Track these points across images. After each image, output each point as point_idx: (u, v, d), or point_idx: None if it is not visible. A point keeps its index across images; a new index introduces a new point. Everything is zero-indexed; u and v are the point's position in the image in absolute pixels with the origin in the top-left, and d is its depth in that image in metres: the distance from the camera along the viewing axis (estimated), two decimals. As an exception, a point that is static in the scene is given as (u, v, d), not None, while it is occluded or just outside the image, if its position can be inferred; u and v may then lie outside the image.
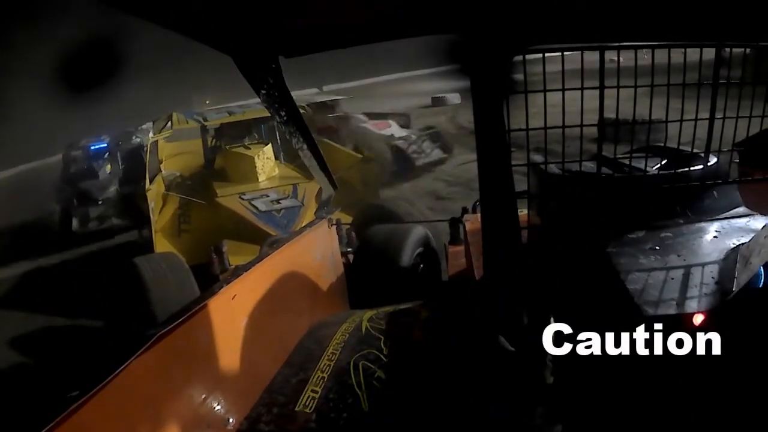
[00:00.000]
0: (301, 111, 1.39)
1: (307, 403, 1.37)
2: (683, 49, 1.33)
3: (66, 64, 9.31)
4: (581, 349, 1.15)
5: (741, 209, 1.37)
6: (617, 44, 1.23)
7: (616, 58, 1.26)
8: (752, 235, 1.21)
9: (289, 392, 1.43)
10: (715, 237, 1.28)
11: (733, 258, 1.14)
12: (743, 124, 1.28)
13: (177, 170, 5.11)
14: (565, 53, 1.26)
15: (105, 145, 7.46)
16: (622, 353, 1.10)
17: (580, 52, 1.23)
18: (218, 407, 1.29)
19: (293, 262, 1.91)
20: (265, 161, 4.69)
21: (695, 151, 1.44)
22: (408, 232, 2.87)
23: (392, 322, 1.72)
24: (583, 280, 1.28)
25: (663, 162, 1.51)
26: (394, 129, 7.84)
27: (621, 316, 1.12)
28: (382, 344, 1.58)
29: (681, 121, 1.29)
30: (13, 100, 8.97)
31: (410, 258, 2.73)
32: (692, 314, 1.05)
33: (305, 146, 1.57)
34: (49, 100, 9.34)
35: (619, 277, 1.15)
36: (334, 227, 2.48)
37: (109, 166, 7.12)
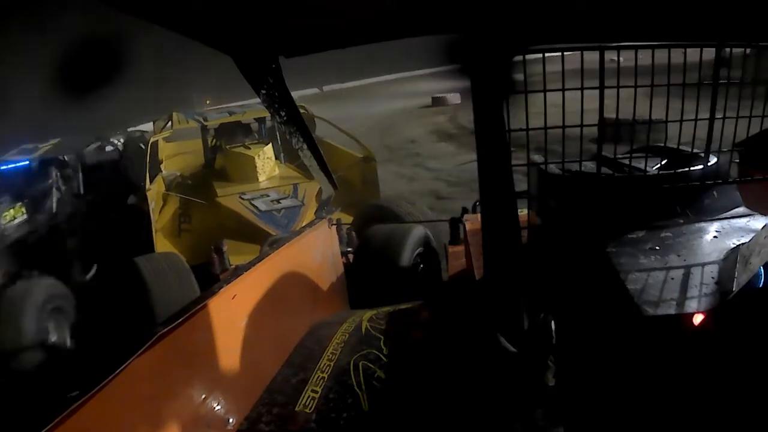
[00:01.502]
0: (301, 111, 1.39)
1: (307, 403, 1.37)
2: (683, 49, 1.33)
3: (66, 64, 9.31)
4: (582, 350, 1.16)
5: (741, 209, 1.37)
6: (617, 44, 1.23)
7: (616, 58, 1.27)
8: (752, 235, 1.21)
9: (289, 392, 1.43)
10: (715, 237, 1.28)
11: (733, 258, 1.15)
12: (743, 124, 1.28)
13: (177, 170, 5.10)
14: (565, 53, 1.26)
15: (26, 163, 4.20)
16: (623, 353, 1.10)
17: (580, 52, 1.23)
18: (218, 407, 1.29)
19: (293, 262, 1.91)
20: (266, 161, 4.69)
21: (695, 151, 1.44)
22: (408, 232, 2.87)
23: (392, 322, 1.72)
24: (583, 280, 1.28)
25: (663, 162, 1.51)
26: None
27: (621, 316, 1.12)
28: (382, 344, 1.58)
29: (681, 121, 1.29)
30: (12, 99, 8.96)
31: (410, 258, 2.73)
32: (692, 314, 1.05)
33: (305, 146, 1.57)
34: (48, 100, 9.34)
35: (619, 277, 1.15)
36: (334, 227, 2.48)
37: (11, 212, 3.67)
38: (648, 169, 1.43)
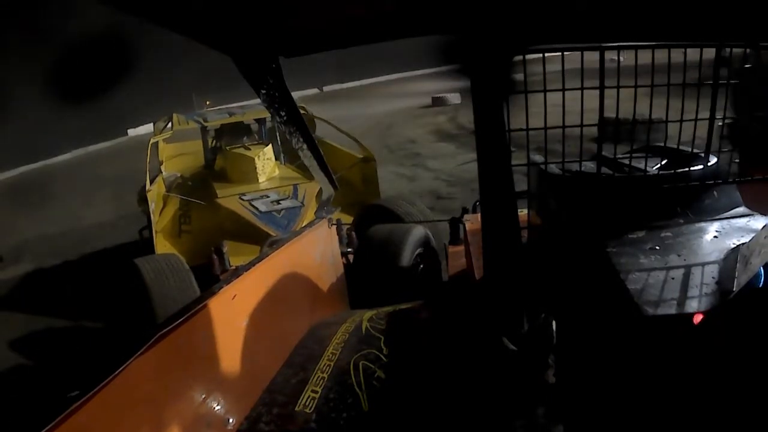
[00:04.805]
0: (301, 111, 1.39)
1: (307, 403, 1.37)
2: (683, 49, 1.33)
3: (67, 65, 9.30)
4: (582, 349, 1.15)
5: (741, 209, 1.37)
6: (617, 44, 1.24)
7: (616, 58, 1.26)
8: (752, 235, 1.21)
9: (289, 392, 1.43)
10: (715, 237, 1.28)
11: (733, 258, 1.14)
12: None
13: (177, 171, 5.10)
14: (565, 53, 1.26)
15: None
16: (623, 353, 1.10)
17: (580, 52, 1.23)
18: (218, 407, 1.29)
19: (293, 263, 1.91)
20: (266, 162, 4.69)
21: (695, 151, 1.44)
22: (408, 232, 2.87)
23: (392, 322, 1.72)
24: (583, 280, 1.28)
25: (663, 162, 1.51)
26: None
27: (621, 316, 1.12)
28: (382, 344, 1.57)
29: (681, 121, 1.29)
30: (13, 99, 8.96)
31: (410, 258, 2.74)
32: (692, 314, 1.05)
33: (305, 146, 1.57)
34: (49, 100, 9.33)
35: (619, 277, 1.15)
36: (334, 227, 2.48)
37: None
38: (648, 169, 1.43)
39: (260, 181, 4.59)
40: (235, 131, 5.11)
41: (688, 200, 1.37)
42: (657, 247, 1.26)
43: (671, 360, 1.04)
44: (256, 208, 4.13)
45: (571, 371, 1.09)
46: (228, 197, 4.28)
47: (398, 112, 11.72)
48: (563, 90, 1.23)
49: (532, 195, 1.54)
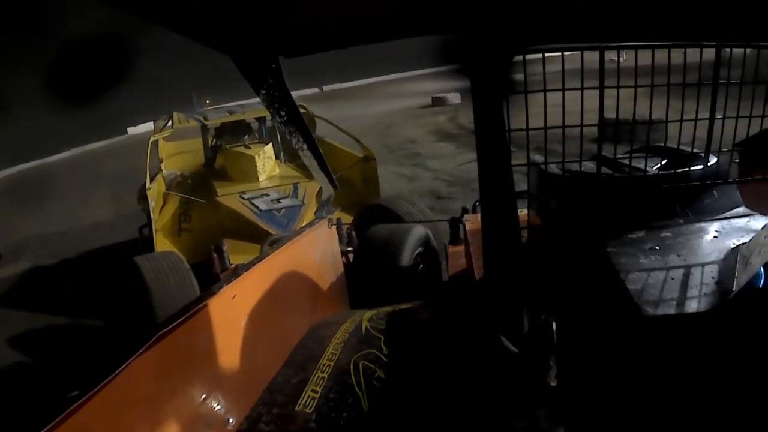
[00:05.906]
0: (301, 110, 1.39)
1: (307, 403, 1.37)
2: (683, 49, 1.33)
3: (66, 64, 9.28)
4: (582, 350, 1.16)
5: (741, 209, 1.37)
6: (617, 44, 1.23)
7: (616, 58, 1.26)
8: (752, 235, 1.21)
9: (289, 392, 1.43)
10: (715, 237, 1.28)
11: (733, 258, 1.15)
12: (743, 124, 1.28)
13: (177, 169, 5.10)
14: (565, 53, 1.26)
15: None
16: (623, 353, 1.10)
17: (580, 52, 1.23)
18: (218, 407, 1.29)
19: (293, 262, 1.91)
20: (266, 160, 4.68)
21: (695, 151, 1.44)
22: (408, 232, 2.87)
23: (392, 322, 1.72)
24: (583, 280, 1.28)
25: (663, 162, 1.51)
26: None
27: (621, 316, 1.12)
28: (382, 344, 1.58)
29: (681, 121, 1.29)
30: (12, 97, 8.94)
31: (410, 258, 2.74)
32: (692, 314, 1.05)
33: (305, 146, 1.57)
34: (49, 100, 9.32)
35: (619, 277, 1.15)
36: (334, 227, 2.48)
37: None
38: (648, 169, 1.43)
39: (260, 179, 4.59)
40: (236, 130, 5.11)
41: (688, 200, 1.38)
42: (657, 247, 1.26)
43: (671, 360, 1.04)
44: (256, 207, 4.13)
45: (571, 372, 1.09)
46: (228, 195, 4.28)
47: (398, 112, 11.71)
48: (563, 90, 1.22)
49: (532, 195, 1.54)
